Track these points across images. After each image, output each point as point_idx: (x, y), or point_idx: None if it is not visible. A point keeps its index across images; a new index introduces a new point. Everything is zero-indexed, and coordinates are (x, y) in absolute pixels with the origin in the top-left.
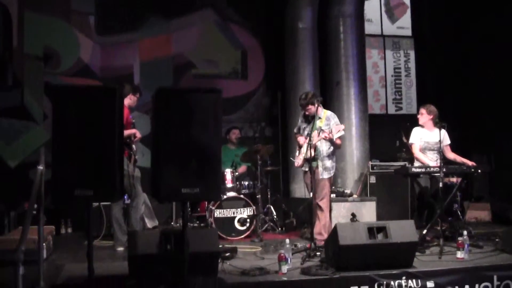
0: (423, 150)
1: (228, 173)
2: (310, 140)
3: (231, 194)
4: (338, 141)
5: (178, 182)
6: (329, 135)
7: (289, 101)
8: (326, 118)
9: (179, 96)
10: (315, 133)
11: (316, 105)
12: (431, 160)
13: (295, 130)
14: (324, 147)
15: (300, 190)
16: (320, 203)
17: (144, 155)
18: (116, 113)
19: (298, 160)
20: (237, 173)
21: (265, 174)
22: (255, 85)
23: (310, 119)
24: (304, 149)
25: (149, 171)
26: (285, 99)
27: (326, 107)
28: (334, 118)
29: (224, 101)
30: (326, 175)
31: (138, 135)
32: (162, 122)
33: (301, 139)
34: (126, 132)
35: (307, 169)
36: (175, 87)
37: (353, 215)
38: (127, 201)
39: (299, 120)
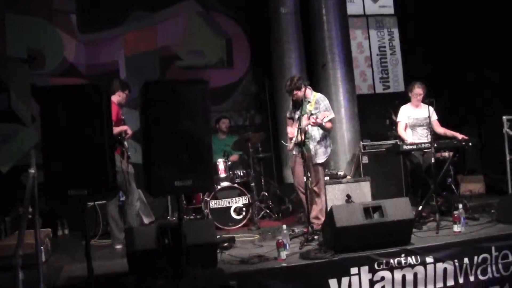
0: (412, 126)
1: (220, 163)
2: (299, 124)
3: (225, 184)
4: (328, 125)
5: (171, 175)
6: (316, 120)
7: (276, 87)
8: (315, 101)
9: (166, 89)
10: (304, 117)
11: (304, 89)
12: (422, 135)
13: (287, 115)
14: (316, 132)
15: None
16: (315, 188)
17: (137, 151)
18: (104, 110)
19: (290, 144)
20: (229, 163)
21: (258, 161)
22: (242, 73)
23: (300, 103)
24: (295, 133)
25: (142, 167)
26: (273, 85)
27: (315, 89)
28: (324, 101)
29: (212, 91)
30: (319, 160)
31: (129, 131)
32: (150, 116)
33: (289, 129)
34: (117, 129)
35: (296, 153)
36: (162, 80)
37: (348, 196)
38: (122, 198)
39: (291, 105)
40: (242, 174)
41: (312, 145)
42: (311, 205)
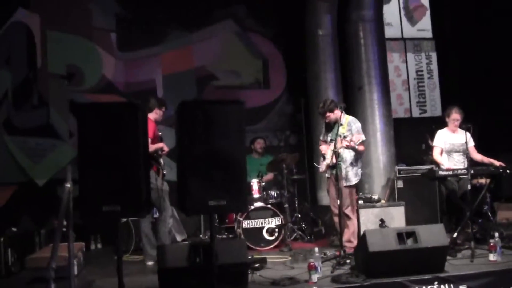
0: (449, 152)
1: (254, 183)
2: (334, 147)
3: (259, 204)
4: (361, 148)
5: (204, 194)
6: (350, 143)
7: (312, 108)
8: (347, 124)
9: (202, 109)
10: (338, 140)
11: (340, 112)
12: (458, 161)
13: (320, 137)
14: (347, 154)
15: (327, 197)
16: (346, 211)
17: (172, 169)
18: (140, 128)
19: (322, 166)
20: (263, 183)
21: (292, 182)
22: (277, 93)
23: (332, 125)
24: (328, 155)
25: (176, 185)
26: (309, 106)
27: (349, 112)
28: (355, 123)
29: (247, 111)
30: (350, 182)
31: (166, 148)
32: (186, 135)
33: (323, 147)
34: (153, 147)
35: (329, 175)
36: (198, 100)
37: (382, 221)
38: (156, 215)
39: (323, 127)
40: (275, 195)
41: (343, 167)
42: (343, 228)
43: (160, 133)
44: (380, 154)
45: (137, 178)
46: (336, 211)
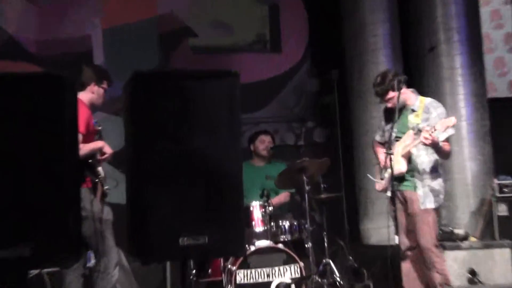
0: None
1: (256, 208)
2: (401, 148)
3: (263, 243)
4: (447, 147)
5: (173, 227)
6: (432, 136)
7: (351, 84)
8: (424, 109)
9: (168, 85)
10: (408, 134)
11: (409, 91)
12: None
13: (377, 137)
14: (425, 158)
15: (379, 231)
16: (428, 245)
17: (119, 184)
18: (65, 117)
19: (381, 181)
20: (270, 208)
21: (318, 206)
22: (293, 60)
23: (395, 113)
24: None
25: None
26: (345, 80)
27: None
28: (437, 108)
29: (244, 89)
30: (430, 204)
31: (108, 150)
32: (142, 128)
33: (380, 154)
34: (87, 147)
35: (391, 194)
36: (163, 70)
37: (473, 272)
38: (91, 263)
39: (383, 118)
40: (291, 227)
41: (418, 180)
42: (419, 277)
43: (100, 127)
44: (467, 159)
45: (59, 202)
46: (409, 252)
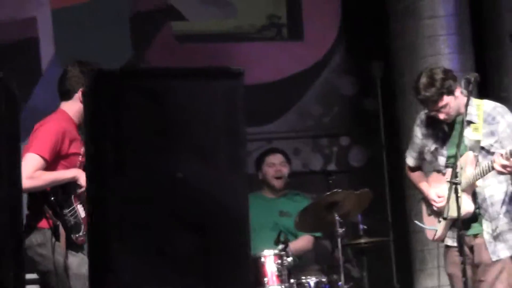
0: None
1: (269, 258)
2: (456, 175)
3: None
4: None
5: (152, 284)
6: (511, 160)
7: (401, 82)
8: (484, 118)
9: (145, 90)
10: (468, 158)
11: (465, 95)
12: None
13: (408, 161)
14: (494, 190)
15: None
16: None
17: None
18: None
19: (434, 228)
20: (290, 259)
21: (356, 255)
22: (320, 52)
23: (445, 127)
24: (443, 198)
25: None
26: (392, 78)
27: (487, 90)
28: (505, 115)
29: (251, 92)
30: (504, 253)
31: (84, 182)
32: (107, 147)
33: (423, 184)
34: (49, 177)
35: (454, 244)
36: (137, 68)
37: None
38: None
39: (417, 130)
40: (318, 285)
41: (486, 221)
42: None
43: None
44: None
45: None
46: None
